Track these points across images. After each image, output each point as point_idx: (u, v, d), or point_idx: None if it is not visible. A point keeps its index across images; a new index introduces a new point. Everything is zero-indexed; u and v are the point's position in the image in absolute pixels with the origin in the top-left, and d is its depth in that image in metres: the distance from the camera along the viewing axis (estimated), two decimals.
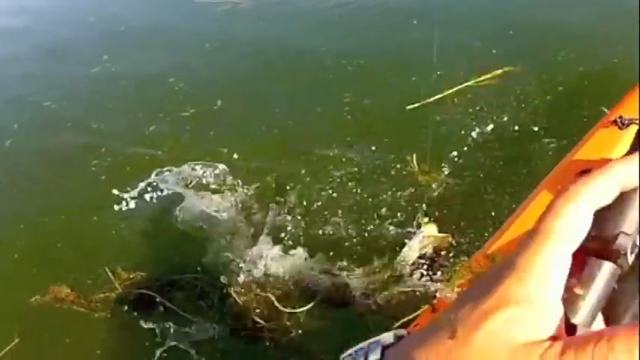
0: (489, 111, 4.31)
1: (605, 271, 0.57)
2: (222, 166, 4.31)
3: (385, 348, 0.57)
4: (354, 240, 3.63)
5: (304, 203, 3.97)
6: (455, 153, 4.03)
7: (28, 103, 6.37)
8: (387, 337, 0.58)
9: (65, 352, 3.69)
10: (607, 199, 0.56)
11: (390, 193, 3.89)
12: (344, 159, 4.26)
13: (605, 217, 0.57)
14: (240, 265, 3.61)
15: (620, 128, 2.43)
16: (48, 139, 5.66)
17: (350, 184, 4.06)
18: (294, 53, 5.62)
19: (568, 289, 0.55)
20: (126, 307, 3.83)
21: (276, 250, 3.60)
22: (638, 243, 0.57)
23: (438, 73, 4.61)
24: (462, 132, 4.21)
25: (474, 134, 4.13)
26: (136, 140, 5.16)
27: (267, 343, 3.22)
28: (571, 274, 0.55)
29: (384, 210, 3.77)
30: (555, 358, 0.46)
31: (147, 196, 4.38)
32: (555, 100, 4.37)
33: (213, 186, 4.23)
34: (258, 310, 3.36)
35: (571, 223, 0.54)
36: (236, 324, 3.36)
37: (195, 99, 5.37)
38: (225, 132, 4.77)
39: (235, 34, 6.41)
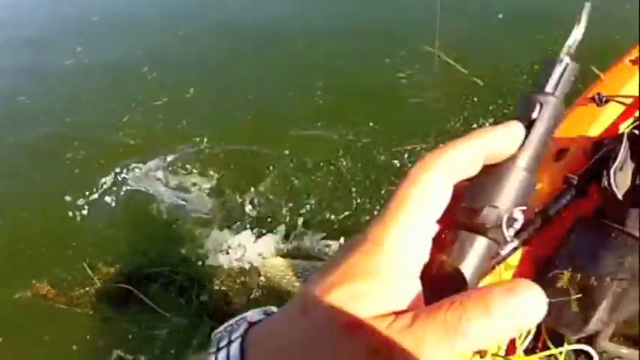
0: (468, 88, 4.27)
1: (479, 246, 0.52)
2: (196, 155, 4.25)
3: (251, 325, 0.53)
4: (339, 224, 3.58)
5: (282, 189, 3.91)
6: (437, 132, 3.98)
7: (3, 97, 6.28)
8: (255, 313, 0.55)
9: (47, 349, 3.64)
10: (471, 169, 0.52)
11: (370, 175, 3.84)
12: (318, 143, 4.20)
13: (476, 188, 0.53)
14: (219, 256, 3.55)
15: (597, 105, 2.41)
16: (23, 133, 5.57)
17: (327, 167, 4.00)
18: (266, 38, 5.54)
19: (439, 264, 0.51)
20: (105, 302, 3.77)
21: (256, 239, 3.54)
22: (518, 217, 0.52)
23: (403, 53, 4.57)
24: (443, 109, 4.16)
25: (455, 110, 4.07)
26: (110, 132, 5.09)
27: None
28: (443, 249, 0.52)
29: (366, 192, 3.72)
30: (403, 330, 0.42)
31: (122, 188, 4.31)
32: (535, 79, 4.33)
33: (188, 175, 4.16)
34: (237, 307, 3.29)
35: (427, 191, 0.49)
36: (214, 318, 3.30)
37: (168, 88, 5.31)
38: (198, 120, 4.70)
39: (209, 20, 6.34)
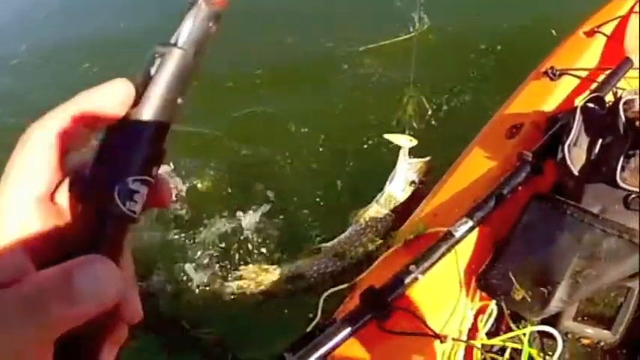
0: (424, 66, 4.21)
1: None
2: None
3: None
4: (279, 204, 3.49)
5: (235, 174, 3.78)
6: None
7: None
8: None
9: None
10: (77, 133, 0.47)
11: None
12: (264, 118, 4.11)
13: (94, 156, 0.47)
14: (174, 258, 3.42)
15: (551, 79, 2.36)
16: None
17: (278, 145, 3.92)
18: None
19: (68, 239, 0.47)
20: None
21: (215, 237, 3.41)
22: (137, 188, 0.47)
23: (356, 33, 4.53)
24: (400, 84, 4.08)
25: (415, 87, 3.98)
26: None
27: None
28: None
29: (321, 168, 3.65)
30: None
31: None
32: (491, 53, 4.32)
33: None
34: (191, 319, 3.17)
35: (26, 158, 0.46)
36: (167, 332, 3.18)
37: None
38: None
39: (149, 14, 6.22)
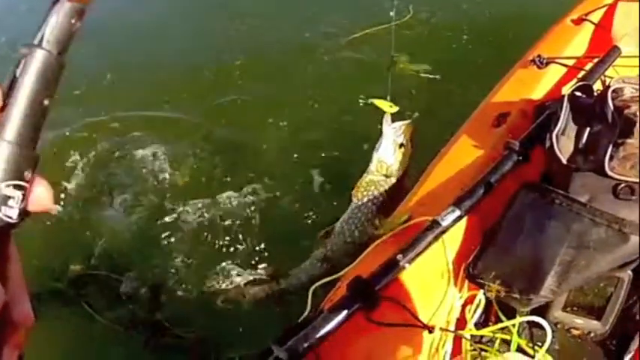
0: (408, 55, 4.18)
1: None
2: (125, 148, 3.99)
3: None
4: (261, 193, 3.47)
5: (221, 179, 3.74)
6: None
7: None
8: None
9: None
10: None
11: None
12: (240, 113, 4.08)
13: None
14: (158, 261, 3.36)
15: (538, 67, 2.34)
16: None
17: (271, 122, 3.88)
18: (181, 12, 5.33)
19: None
20: (36, 302, 3.54)
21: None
22: (11, 194, 0.45)
23: (337, 23, 4.52)
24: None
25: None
26: None
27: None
28: None
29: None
30: None
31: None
32: (478, 42, 4.31)
33: (114, 166, 3.92)
34: (172, 319, 3.13)
35: None
36: (147, 330, 3.12)
37: (84, 75, 5.06)
38: (118, 107, 4.48)
39: (135, 4, 6.12)
